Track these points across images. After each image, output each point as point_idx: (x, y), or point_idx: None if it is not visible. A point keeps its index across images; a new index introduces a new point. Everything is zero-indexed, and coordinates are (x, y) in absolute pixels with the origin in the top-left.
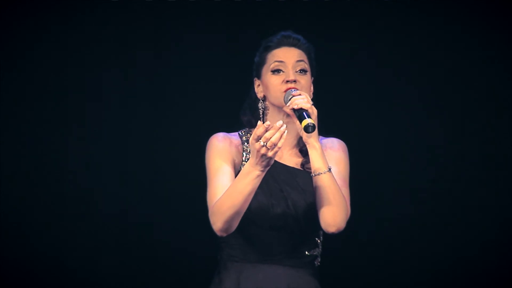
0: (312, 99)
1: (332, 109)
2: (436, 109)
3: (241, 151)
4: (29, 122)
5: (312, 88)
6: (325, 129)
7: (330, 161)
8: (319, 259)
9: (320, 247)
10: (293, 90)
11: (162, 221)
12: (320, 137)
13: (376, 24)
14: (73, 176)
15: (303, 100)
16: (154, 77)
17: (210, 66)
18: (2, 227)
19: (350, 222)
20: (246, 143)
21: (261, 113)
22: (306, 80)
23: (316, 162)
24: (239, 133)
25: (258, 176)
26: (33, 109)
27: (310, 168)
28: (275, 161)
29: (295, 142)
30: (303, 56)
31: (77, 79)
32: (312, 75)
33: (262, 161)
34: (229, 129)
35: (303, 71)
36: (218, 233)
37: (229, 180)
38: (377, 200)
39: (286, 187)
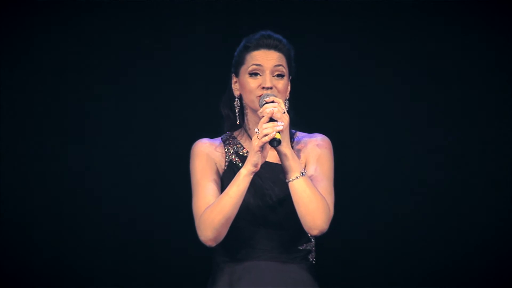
0: (288, 99)
1: (331, 109)
2: (436, 109)
3: (224, 156)
4: (29, 121)
5: (289, 88)
6: (325, 129)
7: (312, 159)
8: (314, 255)
9: (313, 241)
10: (267, 95)
11: (162, 221)
12: (303, 134)
13: (376, 24)
14: (73, 176)
15: (275, 108)
16: (154, 78)
17: (210, 66)
18: (2, 227)
19: (349, 222)
20: (228, 148)
21: (237, 111)
22: (282, 84)
23: (287, 169)
24: (221, 138)
25: (245, 175)
26: (33, 109)
27: None
28: None
29: None
30: (282, 60)
31: (77, 79)
32: (290, 75)
33: (252, 156)
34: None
35: (280, 75)
36: (207, 243)
37: (215, 187)
38: (377, 200)
39: (269, 183)
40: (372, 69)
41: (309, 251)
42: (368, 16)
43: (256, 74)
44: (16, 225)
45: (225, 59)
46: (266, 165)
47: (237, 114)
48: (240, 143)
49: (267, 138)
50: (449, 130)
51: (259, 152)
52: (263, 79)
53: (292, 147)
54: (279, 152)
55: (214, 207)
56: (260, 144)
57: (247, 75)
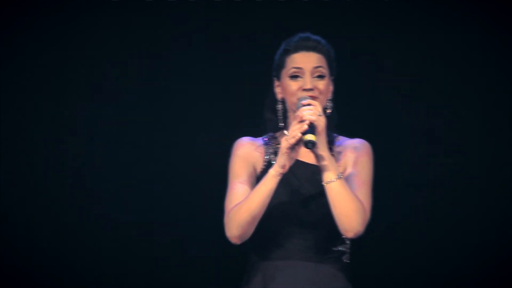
0: (331, 99)
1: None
2: (436, 109)
3: (263, 156)
4: (28, 122)
5: (331, 88)
6: None
7: (351, 164)
8: (348, 256)
9: (348, 242)
10: (304, 98)
11: (162, 221)
12: (345, 138)
13: (376, 24)
14: (73, 177)
15: (310, 111)
16: (154, 78)
17: (210, 66)
18: (1, 228)
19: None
20: (268, 148)
21: (280, 114)
22: (323, 85)
23: (324, 171)
24: (263, 138)
25: (273, 176)
26: (32, 109)
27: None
28: (296, 159)
29: None
30: (321, 61)
31: (76, 79)
32: (332, 75)
33: (280, 157)
34: (229, 129)
35: (320, 76)
36: (232, 241)
37: (247, 187)
38: (378, 201)
39: (306, 184)
40: (372, 69)
41: (344, 252)
42: (368, 16)
43: (296, 76)
44: (16, 226)
45: (225, 59)
46: (304, 165)
47: (280, 117)
48: (280, 143)
49: (293, 140)
50: (449, 130)
51: (287, 154)
52: (304, 81)
53: (332, 150)
54: (315, 154)
55: (241, 206)
56: (287, 145)
57: (288, 78)
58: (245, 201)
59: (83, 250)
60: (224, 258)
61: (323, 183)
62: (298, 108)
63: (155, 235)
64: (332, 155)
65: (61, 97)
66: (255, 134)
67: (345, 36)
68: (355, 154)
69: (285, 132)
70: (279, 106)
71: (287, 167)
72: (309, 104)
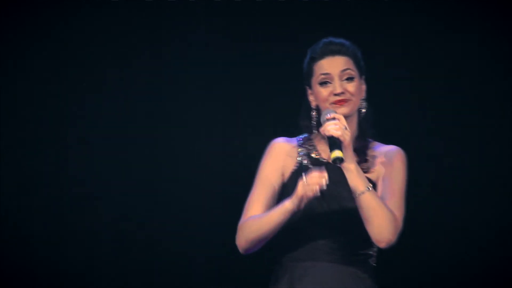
0: (364, 99)
1: None
2: (436, 110)
3: (296, 156)
4: (29, 123)
5: (364, 87)
6: None
7: (385, 172)
8: (375, 259)
9: (376, 246)
10: (328, 112)
11: (161, 223)
12: (379, 144)
13: (376, 24)
14: (73, 178)
15: (335, 126)
16: (154, 79)
17: (210, 66)
18: (1, 229)
19: None
20: (302, 149)
21: (315, 122)
22: (353, 87)
23: (353, 183)
24: (297, 139)
25: (288, 211)
26: (32, 110)
27: (363, 168)
28: (327, 162)
29: None
30: (348, 63)
31: (77, 80)
32: (362, 75)
33: (296, 199)
34: (229, 130)
35: (349, 79)
36: (239, 250)
37: (267, 198)
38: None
39: (338, 187)
40: (372, 69)
41: (371, 255)
42: (367, 16)
43: (326, 82)
44: (16, 227)
45: (225, 59)
46: (335, 169)
47: (314, 124)
48: (314, 145)
49: (311, 193)
50: (449, 131)
51: (302, 199)
52: (333, 86)
53: (367, 155)
54: (344, 168)
55: (254, 223)
56: (303, 193)
57: (318, 85)
58: (258, 221)
59: (83, 251)
60: (225, 258)
61: (353, 195)
62: (323, 122)
63: (155, 236)
64: (366, 160)
65: (61, 97)
66: (255, 133)
67: (344, 36)
68: (389, 162)
69: (304, 178)
70: (313, 113)
71: (302, 205)
72: (333, 118)
